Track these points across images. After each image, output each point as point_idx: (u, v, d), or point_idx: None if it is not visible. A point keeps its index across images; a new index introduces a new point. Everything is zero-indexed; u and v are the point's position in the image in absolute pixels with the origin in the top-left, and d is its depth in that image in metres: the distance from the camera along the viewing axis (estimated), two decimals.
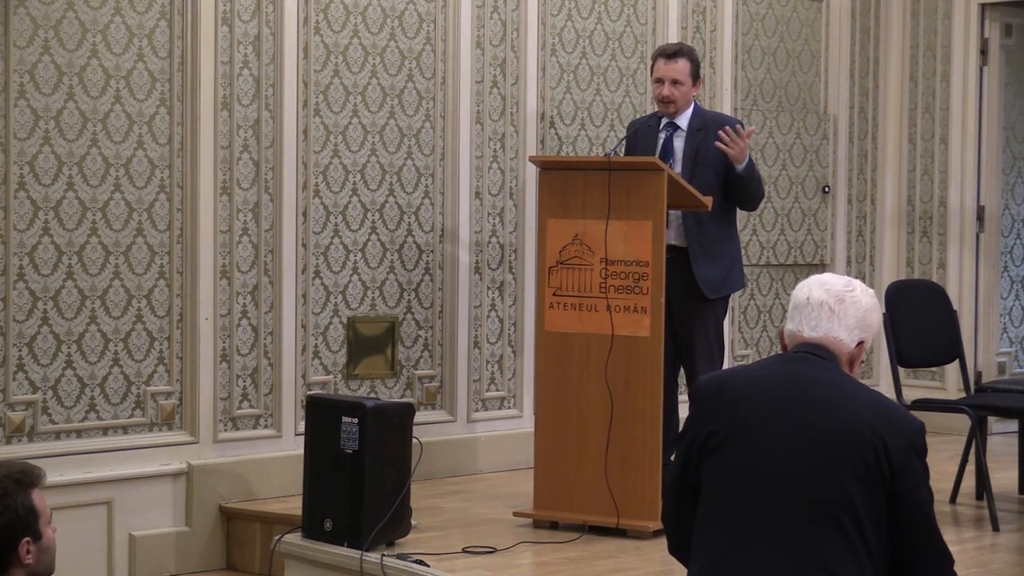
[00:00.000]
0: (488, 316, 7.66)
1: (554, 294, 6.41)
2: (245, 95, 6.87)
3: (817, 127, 9.10)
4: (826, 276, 3.59)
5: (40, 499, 3.71)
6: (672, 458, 3.57)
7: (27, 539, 3.65)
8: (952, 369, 8.68)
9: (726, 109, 8.58)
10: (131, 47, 6.56)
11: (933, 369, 8.85)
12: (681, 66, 6.72)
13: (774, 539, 3.32)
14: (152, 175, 6.64)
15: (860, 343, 3.51)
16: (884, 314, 7.06)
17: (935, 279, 8.94)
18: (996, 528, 6.57)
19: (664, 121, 6.77)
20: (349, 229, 7.22)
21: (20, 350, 6.32)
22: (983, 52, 9.12)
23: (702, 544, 3.42)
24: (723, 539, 3.37)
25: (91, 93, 6.46)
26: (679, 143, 6.69)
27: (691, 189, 6.38)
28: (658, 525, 6.28)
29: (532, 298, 7.45)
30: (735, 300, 8.67)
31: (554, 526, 6.33)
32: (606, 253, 6.29)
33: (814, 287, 3.54)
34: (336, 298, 7.19)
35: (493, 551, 5.99)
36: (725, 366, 8.63)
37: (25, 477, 3.71)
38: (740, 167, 6.56)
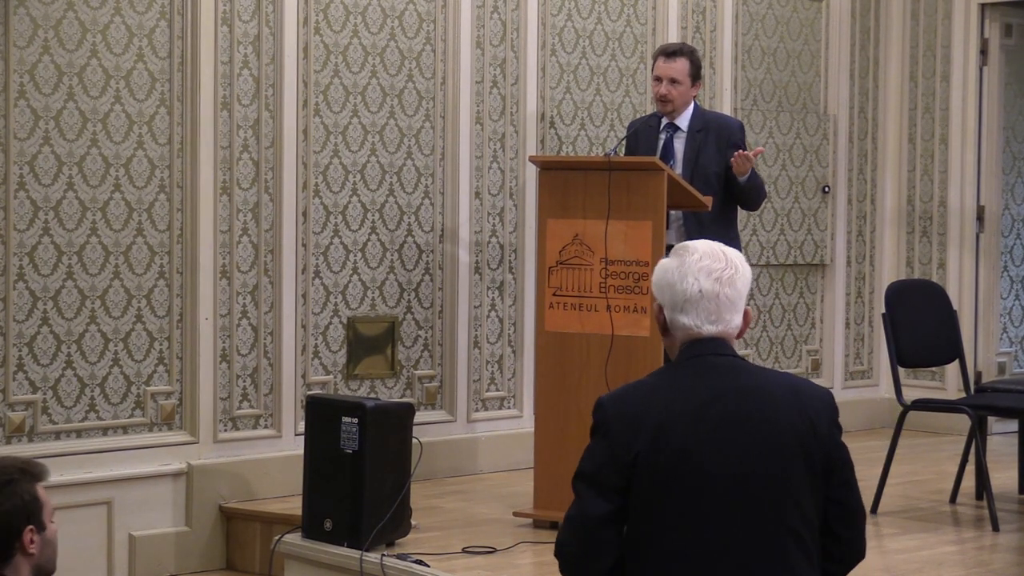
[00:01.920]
0: (488, 316, 7.67)
1: (554, 294, 6.41)
2: (245, 95, 6.87)
3: (817, 127, 9.10)
4: (700, 255, 3.31)
5: (44, 492, 3.73)
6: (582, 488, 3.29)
7: (31, 527, 3.66)
8: (952, 369, 8.68)
9: (726, 109, 8.57)
10: (131, 47, 6.56)
11: (933, 369, 8.85)
12: (680, 65, 6.71)
13: (743, 557, 3.20)
14: (152, 175, 6.65)
15: (745, 312, 3.37)
16: (884, 314, 7.08)
17: (935, 279, 8.94)
18: (996, 528, 6.57)
19: (664, 122, 6.76)
20: (349, 229, 7.22)
21: (20, 350, 6.32)
22: (983, 52, 9.12)
23: (658, 572, 3.23)
24: (688, 565, 3.21)
25: (91, 93, 6.46)
26: (679, 144, 6.69)
27: (691, 189, 6.38)
28: None
29: (532, 298, 7.45)
30: None
31: (554, 526, 6.32)
32: (606, 253, 6.29)
33: (700, 277, 3.28)
34: (336, 298, 7.19)
35: (493, 551, 5.99)
36: None
37: (30, 468, 3.73)
38: (743, 179, 6.58)
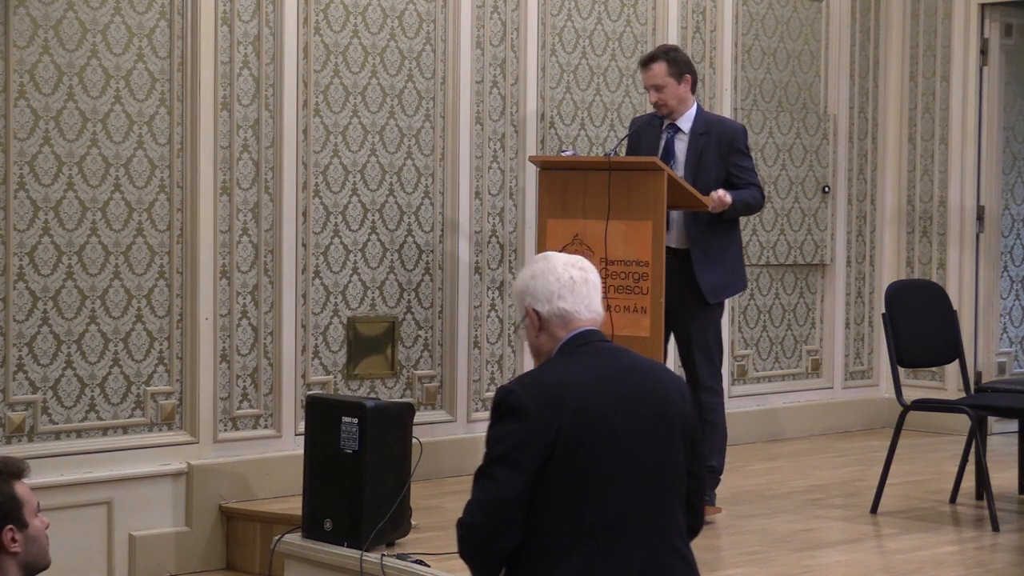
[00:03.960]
0: (488, 316, 7.67)
1: None
2: (245, 95, 6.87)
3: (817, 127, 9.10)
4: (559, 256, 3.61)
5: (24, 489, 3.73)
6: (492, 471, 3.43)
7: (10, 526, 3.66)
8: (952, 369, 8.69)
9: (726, 109, 8.58)
10: (131, 47, 6.56)
11: (933, 369, 8.85)
12: (657, 70, 6.66)
13: (651, 521, 3.45)
14: (152, 175, 6.65)
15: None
16: (884, 314, 7.08)
17: (935, 279, 8.94)
18: (996, 528, 6.57)
19: (666, 123, 6.73)
20: (349, 229, 7.22)
21: (20, 350, 6.32)
22: (983, 52, 9.13)
23: (567, 547, 3.38)
24: (603, 538, 3.40)
25: (91, 93, 6.46)
26: (681, 146, 6.65)
27: (691, 189, 6.38)
28: None
29: None
30: (735, 300, 8.67)
31: None
32: (606, 253, 6.29)
33: (569, 269, 3.56)
34: (336, 298, 7.19)
35: None
36: (725, 366, 8.66)
37: (7, 468, 3.73)
38: (726, 213, 6.55)
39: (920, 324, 7.19)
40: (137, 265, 6.61)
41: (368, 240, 7.28)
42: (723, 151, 6.55)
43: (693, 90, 6.72)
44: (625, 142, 6.90)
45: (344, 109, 7.18)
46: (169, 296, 6.70)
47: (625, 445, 3.42)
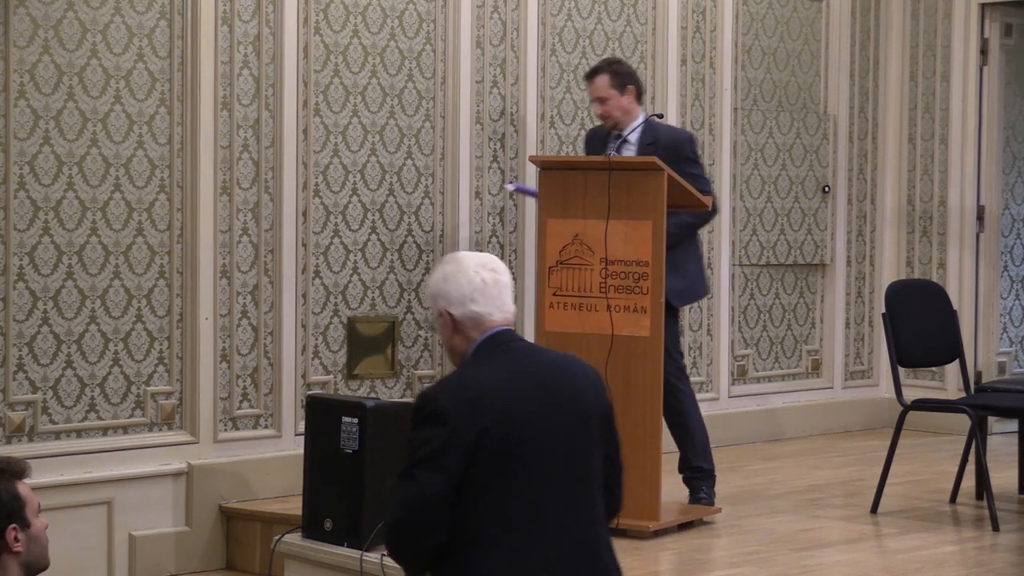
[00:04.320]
0: None
1: (554, 294, 6.41)
2: (245, 95, 6.87)
3: (817, 127, 9.10)
4: (471, 257, 3.70)
5: (26, 489, 3.74)
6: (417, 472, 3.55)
7: (14, 525, 3.67)
8: (952, 369, 8.69)
9: (726, 109, 8.58)
10: (131, 47, 6.56)
11: (933, 369, 8.85)
12: (599, 83, 6.80)
13: (574, 513, 3.57)
14: (152, 175, 6.65)
15: None
16: (884, 314, 7.08)
17: (935, 279, 8.94)
18: (996, 528, 6.57)
19: (613, 134, 6.82)
20: (349, 229, 7.22)
21: (20, 350, 6.32)
22: (983, 52, 9.13)
23: (493, 538, 3.51)
24: (526, 528, 3.53)
25: (91, 93, 6.46)
26: (628, 155, 6.70)
27: (691, 189, 6.38)
28: (659, 525, 6.29)
29: (532, 298, 7.45)
30: (735, 301, 8.68)
31: None
32: (606, 253, 6.29)
33: (480, 271, 3.65)
34: (336, 298, 7.19)
35: None
36: (725, 366, 8.66)
37: (10, 467, 3.74)
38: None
39: (920, 324, 7.19)
40: (137, 265, 6.61)
41: (368, 240, 7.28)
42: (671, 160, 6.55)
43: (639, 100, 6.84)
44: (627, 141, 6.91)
45: (344, 109, 7.18)
46: (169, 296, 6.70)
47: (544, 439, 3.55)
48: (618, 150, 6.73)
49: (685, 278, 6.70)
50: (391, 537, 3.62)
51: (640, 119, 6.78)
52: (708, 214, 6.72)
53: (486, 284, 3.65)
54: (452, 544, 3.55)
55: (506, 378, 3.58)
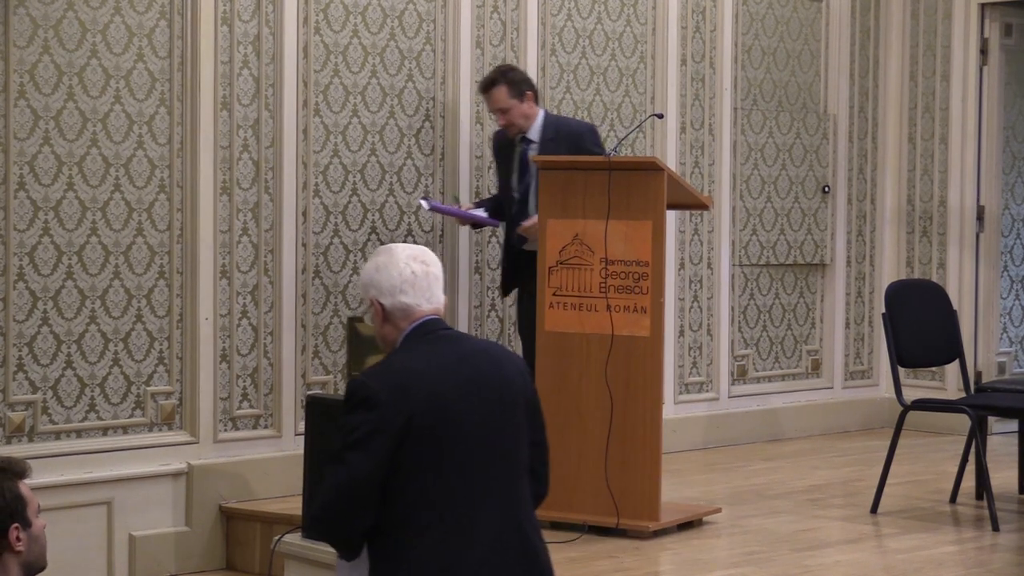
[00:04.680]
0: (488, 316, 7.67)
1: (554, 294, 6.41)
2: (245, 95, 6.87)
3: (817, 127, 9.10)
4: (403, 249, 3.78)
5: (27, 489, 3.74)
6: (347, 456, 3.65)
7: (16, 525, 3.68)
8: (952, 369, 8.69)
9: (726, 109, 8.58)
10: (131, 47, 6.56)
11: (933, 369, 8.85)
12: (497, 95, 6.99)
13: (500, 497, 3.66)
14: (152, 175, 6.65)
15: None
16: (884, 314, 7.08)
17: (935, 279, 8.94)
18: (996, 528, 6.57)
19: (519, 137, 7.00)
20: (349, 229, 7.22)
21: (20, 350, 6.32)
22: (983, 52, 9.13)
23: (424, 524, 3.59)
24: (456, 513, 3.61)
25: (91, 93, 6.46)
26: (533, 155, 6.89)
27: (691, 188, 6.38)
28: (659, 525, 6.29)
29: None
30: (735, 300, 8.68)
31: (553, 526, 6.32)
32: (606, 253, 6.29)
33: (411, 263, 3.74)
34: (336, 298, 7.19)
35: None
36: (725, 366, 8.66)
37: (11, 467, 3.74)
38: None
39: (920, 324, 7.19)
40: (137, 265, 6.61)
41: (368, 240, 7.28)
42: (572, 152, 6.75)
43: (537, 102, 7.05)
44: (620, 143, 6.93)
45: (344, 109, 7.18)
46: (169, 296, 6.70)
47: (471, 425, 3.64)
48: (524, 152, 6.95)
49: None
50: (316, 518, 3.74)
51: (540, 118, 6.99)
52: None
53: (416, 276, 3.74)
54: (383, 527, 3.65)
55: (434, 365, 3.66)
